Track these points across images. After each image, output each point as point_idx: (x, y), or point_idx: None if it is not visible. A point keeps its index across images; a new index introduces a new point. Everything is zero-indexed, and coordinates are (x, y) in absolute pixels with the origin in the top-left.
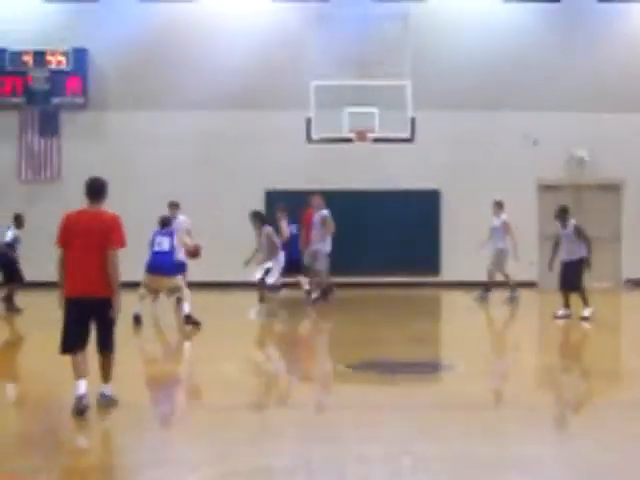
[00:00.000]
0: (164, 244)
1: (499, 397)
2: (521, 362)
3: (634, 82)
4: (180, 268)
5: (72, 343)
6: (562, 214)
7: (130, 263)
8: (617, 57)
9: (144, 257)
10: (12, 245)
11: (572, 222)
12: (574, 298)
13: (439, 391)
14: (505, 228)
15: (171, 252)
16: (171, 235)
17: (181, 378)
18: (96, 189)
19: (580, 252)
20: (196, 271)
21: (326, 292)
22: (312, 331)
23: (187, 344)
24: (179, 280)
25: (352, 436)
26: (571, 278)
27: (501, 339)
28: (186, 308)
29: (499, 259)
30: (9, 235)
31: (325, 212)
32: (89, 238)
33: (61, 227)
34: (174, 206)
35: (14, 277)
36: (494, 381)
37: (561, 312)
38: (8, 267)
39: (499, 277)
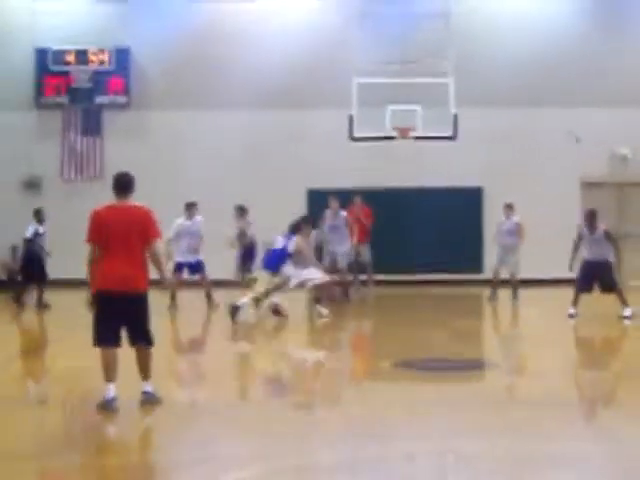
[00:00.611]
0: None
1: (542, 394)
2: (562, 359)
3: None
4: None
5: (105, 336)
6: (592, 219)
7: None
8: None
9: None
10: (32, 240)
11: (602, 227)
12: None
13: (484, 388)
14: (519, 229)
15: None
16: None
17: (228, 374)
18: (124, 184)
19: (609, 254)
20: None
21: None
22: (356, 329)
23: (227, 341)
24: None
25: (398, 434)
26: (608, 279)
27: (541, 336)
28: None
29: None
30: (30, 230)
31: (344, 213)
32: (122, 233)
33: (91, 224)
34: (192, 206)
35: (34, 274)
36: (537, 378)
37: (573, 311)
38: (33, 263)
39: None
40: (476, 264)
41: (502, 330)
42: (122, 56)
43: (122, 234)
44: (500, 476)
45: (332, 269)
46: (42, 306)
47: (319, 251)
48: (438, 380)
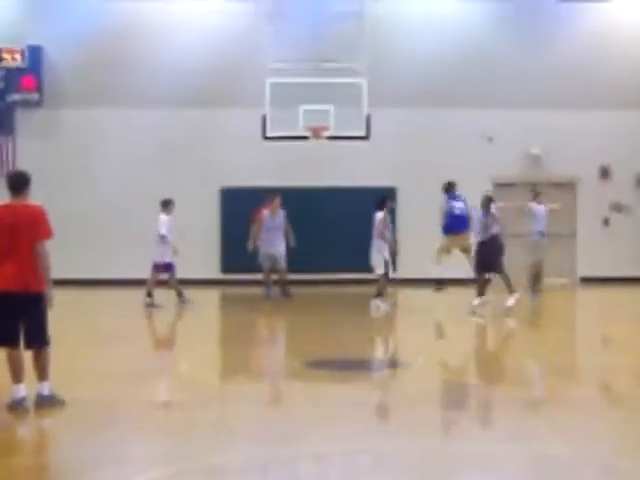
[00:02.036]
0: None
1: (454, 393)
2: (475, 358)
3: (589, 80)
4: (168, 268)
5: (1, 336)
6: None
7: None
8: (572, 56)
9: (103, 252)
10: None
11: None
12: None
13: (396, 388)
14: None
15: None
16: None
17: (138, 375)
18: (17, 183)
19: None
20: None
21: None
22: (268, 329)
23: (142, 340)
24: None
25: (309, 433)
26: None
27: (453, 335)
28: None
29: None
30: None
31: (283, 213)
32: (15, 232)
33: None
34: (171, 203)
35: None
36: (448, 377)
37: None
38: None
39: None
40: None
41: (417, 329)
42: (34, 54)
43: (11, 234)
44: (412, 475)
45: (272, 270)
46: None
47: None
48: (351, 380)
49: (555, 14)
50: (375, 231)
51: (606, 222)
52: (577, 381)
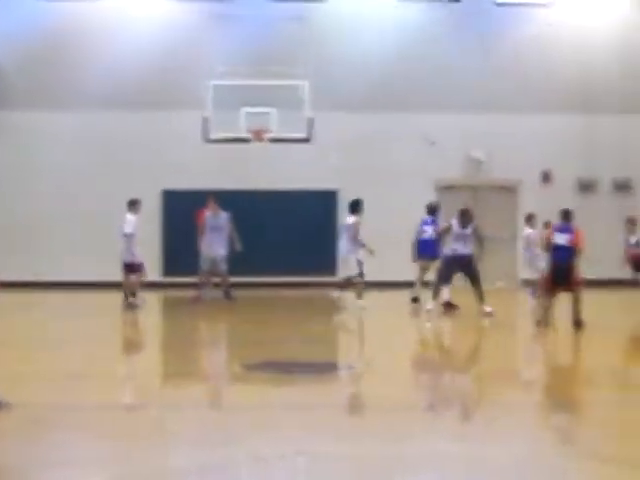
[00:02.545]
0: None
1: (395, 396)
2: (415, 361)
3: (530, 84)
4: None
5: None
6: (467, 217)
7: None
8: (514, 60)
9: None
10: None
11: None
12: None
13: (336, 391)
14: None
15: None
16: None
17: (82, 378)
18: None
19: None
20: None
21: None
22: (209, 332)
23: (86, 343)
24: None
25: (248, 436)
26: (473, 271)
27: (394, 338)
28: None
29: None
30: None
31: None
32: None
33: None
34: (138, 203)
35: None
36: (390, 381)
37: (431, 306)
38: None
39: None
40: (330, 267)
41: (356, 332)
42: None
43: None
44: (351, 478)
45: (211, 272)
46: None
47: None
48: (291, 383)
49: (495, 18)
50: (348, 234)
51: (547, 226)
52: (517, 384)
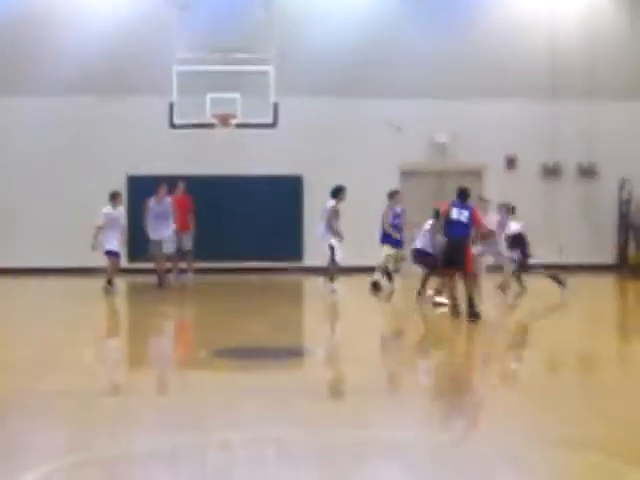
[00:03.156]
0: None
1: (361, 382)
2: (381, 346)
3: (497, 70)
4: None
5: None
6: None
7: None
8: (480, 45)
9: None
10: None
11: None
12: None
13: (303, 376)
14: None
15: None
16: None
17: (40, 364)
18: None
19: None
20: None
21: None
22: (175, 317)
23: (46, 329)
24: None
25: (215, 422)
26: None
27: (360, 323)
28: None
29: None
30: None
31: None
32: None
33: None
34: (118, 196)
35: None
36: (356, 366)
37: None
38: None
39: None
40: (296, 252)
41: (322, 318)
42: None
43: None
44: (317, 462)
45: (158, 255)
46: None
47: None
48: (256, 368)
49: (462, 3)
50: (326, 220)
51: (512, 211)
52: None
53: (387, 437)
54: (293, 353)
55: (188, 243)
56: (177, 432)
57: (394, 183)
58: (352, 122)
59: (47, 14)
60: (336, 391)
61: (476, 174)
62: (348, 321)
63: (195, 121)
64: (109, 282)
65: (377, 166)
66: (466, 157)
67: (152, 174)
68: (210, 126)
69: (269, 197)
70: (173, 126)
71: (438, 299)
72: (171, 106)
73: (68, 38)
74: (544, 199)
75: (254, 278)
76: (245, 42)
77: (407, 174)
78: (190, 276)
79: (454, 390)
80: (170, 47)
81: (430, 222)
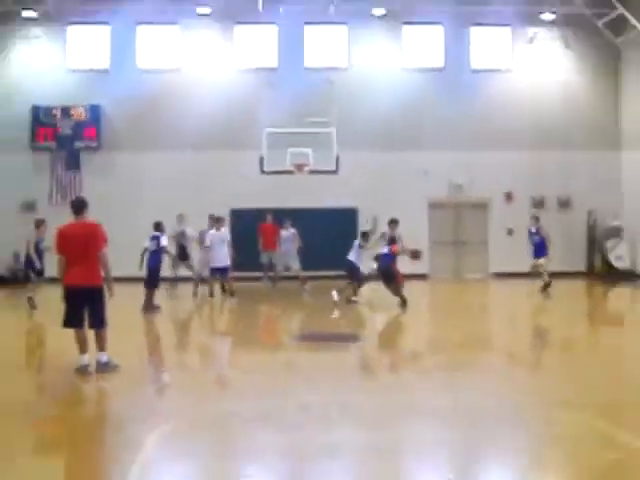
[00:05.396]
0: None
1: (407, 361)
2: (413, 335)
3: (496, 129)
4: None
5: (70, 320)
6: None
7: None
8: (484, 111)
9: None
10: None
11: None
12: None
13: (358, 356)
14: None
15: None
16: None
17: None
18: (78, 206)
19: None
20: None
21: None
22: (267, 313)
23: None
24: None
25: (296, 389)
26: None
27: (401, 318)
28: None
29: None
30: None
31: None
32: (78, 243)
33: (57, 239)
34: (221, 220)
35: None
36: (400, 349)
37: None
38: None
39: None
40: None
41: (368, 314)
42: (95, 111)
43: (78, 244)
44: (376, 420)
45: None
46: (153, 307)
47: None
48: (324, 349)
49: (471, 81)
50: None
51: (510, 232)
52: (474, 347)
53: (421, 400)
54: (351, 338)
55: (273, 258)
56: (268, 397)
57: (423, 212)
58: (392, 168)
59: (171, 92)
60: (383, 367)
61: (483, 206)
62: (389, 316)
63: (279, 169)
64: (231, 294)
65: (411, 200)
66: (476, 193)
67: (248, 207)
68: (290, 172)
69: (333, 223)
70: (263, 172)
71: (353, 298)
72: (261, 158)
73: (189, 108)
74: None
75: (320, 283)
76: (315, 111)
77: (433, 206)
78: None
79: (467, 363)
80: (261, 115)
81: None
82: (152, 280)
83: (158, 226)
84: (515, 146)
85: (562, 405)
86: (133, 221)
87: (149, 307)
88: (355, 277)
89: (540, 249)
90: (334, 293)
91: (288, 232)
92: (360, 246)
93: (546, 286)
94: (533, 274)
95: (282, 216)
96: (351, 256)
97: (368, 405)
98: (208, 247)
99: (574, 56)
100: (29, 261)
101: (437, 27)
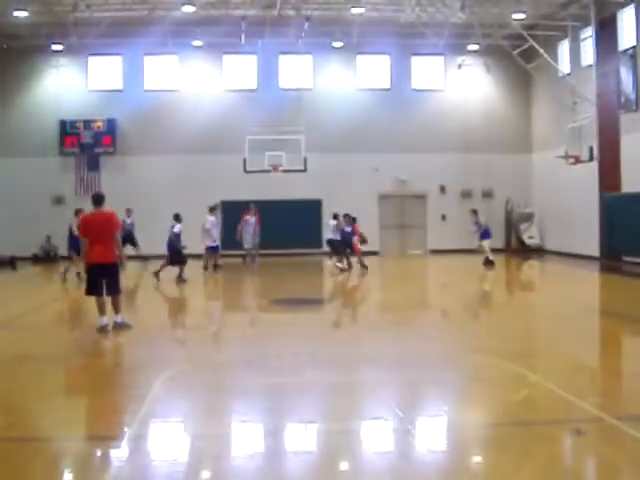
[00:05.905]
0: None
1: (353, 317)
2: (367, 298)
3: (432, 135)
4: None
5: (92, 289)
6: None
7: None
8: (423, 121)
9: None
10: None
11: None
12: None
13: (324, 315)
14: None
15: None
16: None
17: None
18: (98, 199)
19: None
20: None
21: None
22: (248, 282)
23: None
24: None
25: (272, 341)
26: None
27: (357, 284)
28: None
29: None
30: (177, 228)
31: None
32: (101, 227)
33: (81, 224)
34: (215, 208)
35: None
36: (360, 310)
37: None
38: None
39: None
40: (317, 243)
41: (332, 281)
42: (111, 123)
43: (98, 229)
44: (338, 365)
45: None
46: (181, 280)
47: None
48: (296, 310)
49: (412, 97)
50: (331, 229)
51: (443, 218)
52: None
53: (373, 349)
54: (318, 301)
55: (257, 240)
56: (251, 348)
57: (374, 203)
58: (350, 167)
59: (174, 107)
60: (347, 324)
61: (422, 197)
62: (348, 283)
63: (259, 168)
64: (214, 267)
65: (365, 193)
66: (417, 186)
67: (235, 199)
68: (267, 171)
69: (301, 212)
70: (246, 171)
71: (339, 265)
72: (244, 160)
73: (186, 120)
74: (462, 211)
75: (292, 259)
76: (287, 122)
77: (382, 197)
78: (257, 259)
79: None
80: (244, 124)
81: (333, 222)
82: (176, 258)
83: (177, 217)
84: (447, 149)
85: (484, 352)
86: (141, 211)
87: (180, 279)
88: (340, 250)
89: (485, 233)
90: (338, 264)
91: (252, 217)
92: (336, 226)
93: (488, 262)
94: (478, 252)
95: (261, 205)
96: (330, 235)
97: (331, 353)
98: (208, 229)
99: (494, 79)
100: (72, 242)
101: (384, 56)
